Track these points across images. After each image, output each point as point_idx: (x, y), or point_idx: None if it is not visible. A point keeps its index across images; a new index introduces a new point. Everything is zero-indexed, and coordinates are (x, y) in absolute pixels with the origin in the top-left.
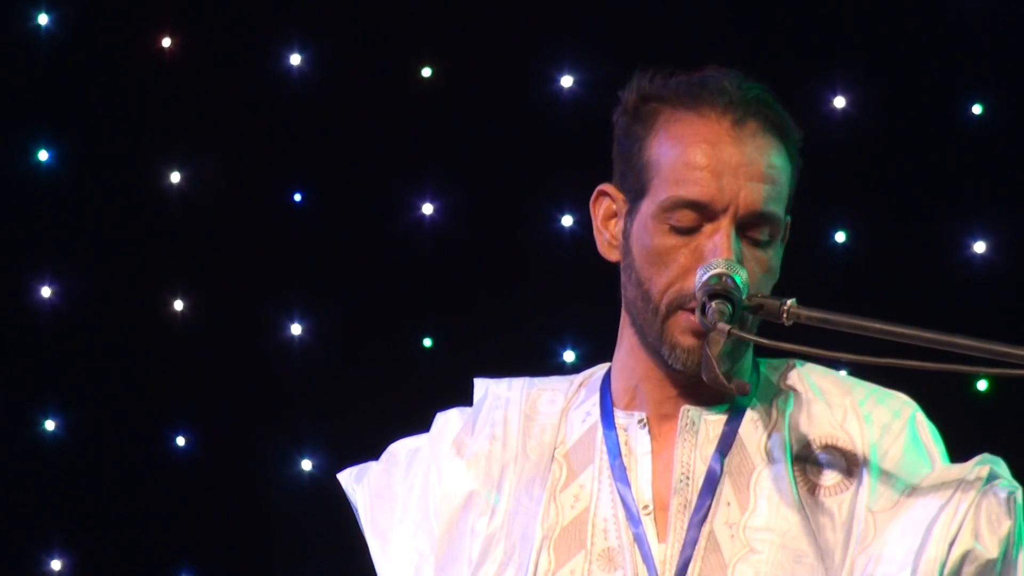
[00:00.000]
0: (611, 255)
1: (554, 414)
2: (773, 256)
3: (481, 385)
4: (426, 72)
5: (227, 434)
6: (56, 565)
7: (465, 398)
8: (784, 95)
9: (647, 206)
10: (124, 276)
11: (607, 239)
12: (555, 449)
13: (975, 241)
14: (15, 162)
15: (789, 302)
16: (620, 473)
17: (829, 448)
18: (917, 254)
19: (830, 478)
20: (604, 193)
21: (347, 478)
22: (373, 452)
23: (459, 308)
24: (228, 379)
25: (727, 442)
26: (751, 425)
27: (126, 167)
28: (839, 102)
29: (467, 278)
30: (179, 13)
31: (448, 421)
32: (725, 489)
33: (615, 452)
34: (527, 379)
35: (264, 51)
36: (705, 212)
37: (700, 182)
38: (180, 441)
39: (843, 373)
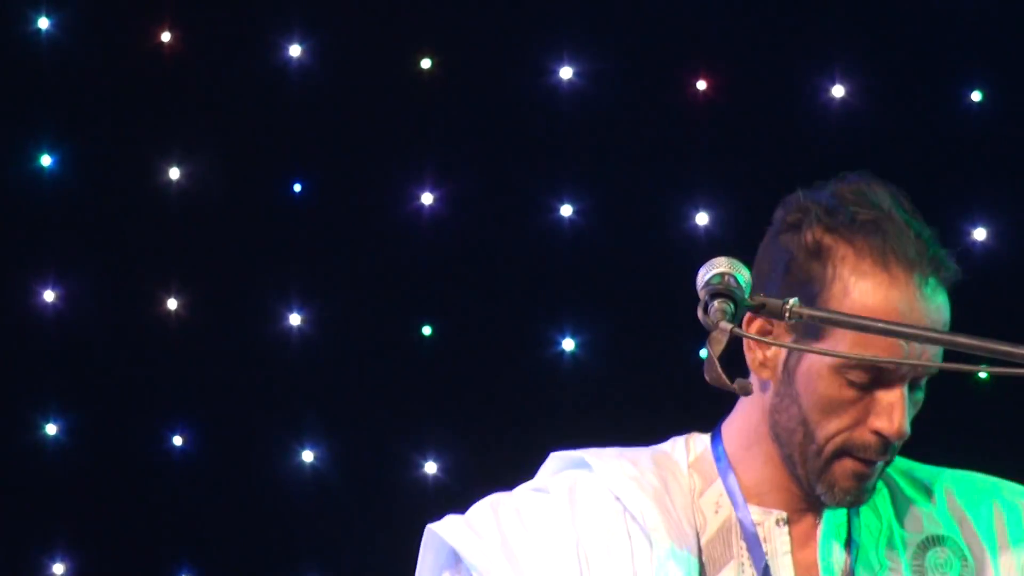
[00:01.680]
0: (763, 374)
1: (685, 502)
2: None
3: (597, 458)
4: (425, 63)
5: (228, 426)
6: (59, 569)
7: (462, 387)
8: (782, 83)
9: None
10: (125, 274)
11: (760, 359)
12: (699, 538)
13: (975, 228)
14: (17, 165)
15: (791, 301)
16: (767, 572)
17: (936, 543)
18: None
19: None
20: (764, 315)
21: (451, 531)
22: (373, 439)
23: (458, 297)
24: (228, 370)
25: (855, 547)
26: (865, 529)
27: (128, 165)
28: (837, 91)
29: (466, 267)
30: (178, 7)
31: (587, 503)
32: None
33: (758, 552)
34: (635, 456)
35: (263, 42)
36: (891, 374)
37: (891, 347)
38: (180, 439)
39: (912, 464)
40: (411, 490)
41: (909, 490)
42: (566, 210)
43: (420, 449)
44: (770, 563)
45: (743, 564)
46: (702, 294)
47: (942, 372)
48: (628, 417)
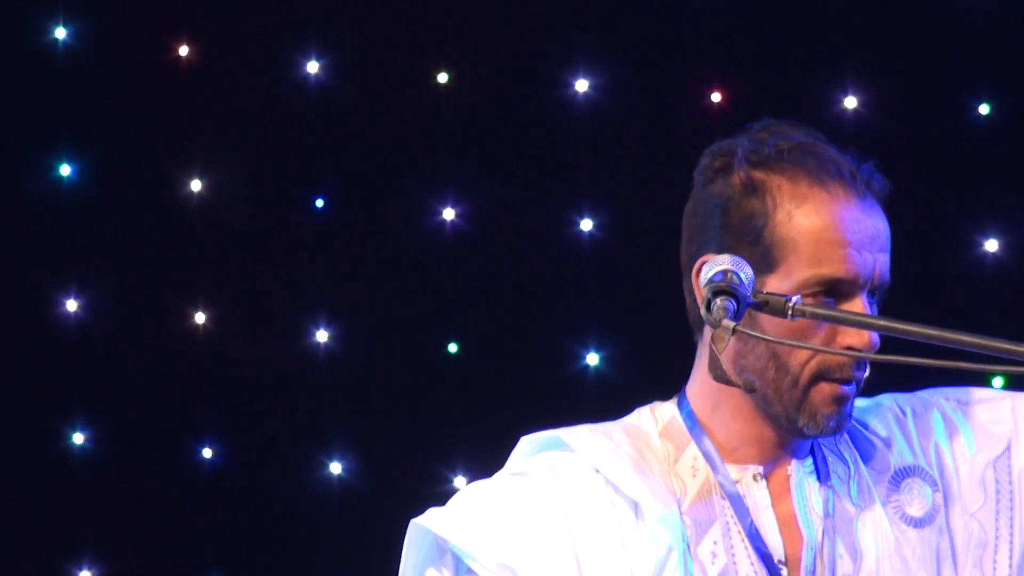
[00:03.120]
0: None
1: (664, 472)
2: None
3: (573, 434)
4: (442, 78)
5: (256, 440)
6: None
7: (489, 401)
8: (795, 95)
9: (779, 283)
10: (149, 287)
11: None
12: (679, 504)
13: (986, 239)
14: (38, 176)
15: (795, 299)
16: (753, 529)
17: (906, 475)
18: (928, 252)
19: (920, 505)
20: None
21: (437, 521)
22: (400, 455)
23: (482, 313)
24: (255, 386)
25: (828, 494)
26: (836, 476)
27: (148, 177)
28: (850, 102)
29: (489, 282)
30: (196, 21)
31: (567, 473)
32: (837, 541)
33: (743, 509)
34: (608, 430)
35: (282, 58)
36: (850, 284)
37: (845, 260)
38: (209, 451)
39: (876, 403)
40: (439, 504)
41: (867, 427)
42: (586, 224)
43: (448, 464)
44: (756, 517)
45: (728, 523)
46: (704, 292)
47: (944, 373)
48: None
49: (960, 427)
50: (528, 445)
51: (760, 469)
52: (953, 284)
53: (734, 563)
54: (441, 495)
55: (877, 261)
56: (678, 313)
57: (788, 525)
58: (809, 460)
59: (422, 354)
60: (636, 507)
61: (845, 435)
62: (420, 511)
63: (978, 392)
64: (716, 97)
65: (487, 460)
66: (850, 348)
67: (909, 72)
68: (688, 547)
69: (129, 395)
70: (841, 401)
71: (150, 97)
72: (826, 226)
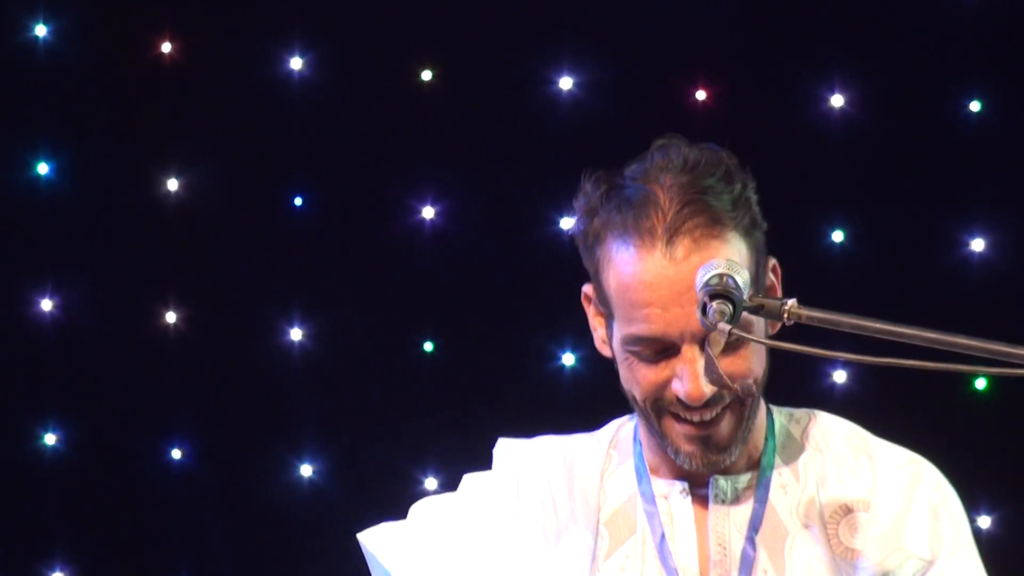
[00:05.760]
0: (605, 351)
1: (593, 478)
2: (748, 348)
3: (509, 446)
4: (425, 75)
5: (226, 439)
6: None
7: (463, 403)
8: (781, 93)
9: (615, 331)
10: (124, 286)
11: (601, 336)
12: (599, 514)
13: (973, 238)
14: (16, 174)
15: (790, 302)
16: (663, 546)
17: (860, 510)
18: (915, 252)
19: (862, 541)
20: (588, 297)
21: (375, 540)
22: (371, 456)
23: (458, 312)
24: (227, 386)
25: (759, 509)
26: (779, 490)
27: (125, 175)
28: (836, 101)
29: (466, 282)
30: (177, 18)
31: (489, 485)
32: (761, 558)
33: (657, 523)
34: (553, 439)
35: (263, 55)
36: (664, 342)
37: (648, 320)
38: (179, 452)
39: (860, 431)
40: (410, 504)
41: (846, 456)
42: (566, 223)
43: (420, 464)
44: (669, 531)
45: (644, 535)
46: (700, 295)
47: (938, 375)
48: None
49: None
50: (497, 449)
51: (685, 485)
52: (939, 283)
53: None
54: (413, 496)
55: (690, 316)
56: None
57: (707, 543)
58: (748, 475)
59: (397, 353)
60: (556, 518)
61: (815, 454)
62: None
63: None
64: (701, 95)
65: (460, 461)
66: (678, 399)
67: (896, 70)
68: (594, 558)
69: (101, 395)
70: (698, 441)
71: (131, 95)
72: (628, 287)
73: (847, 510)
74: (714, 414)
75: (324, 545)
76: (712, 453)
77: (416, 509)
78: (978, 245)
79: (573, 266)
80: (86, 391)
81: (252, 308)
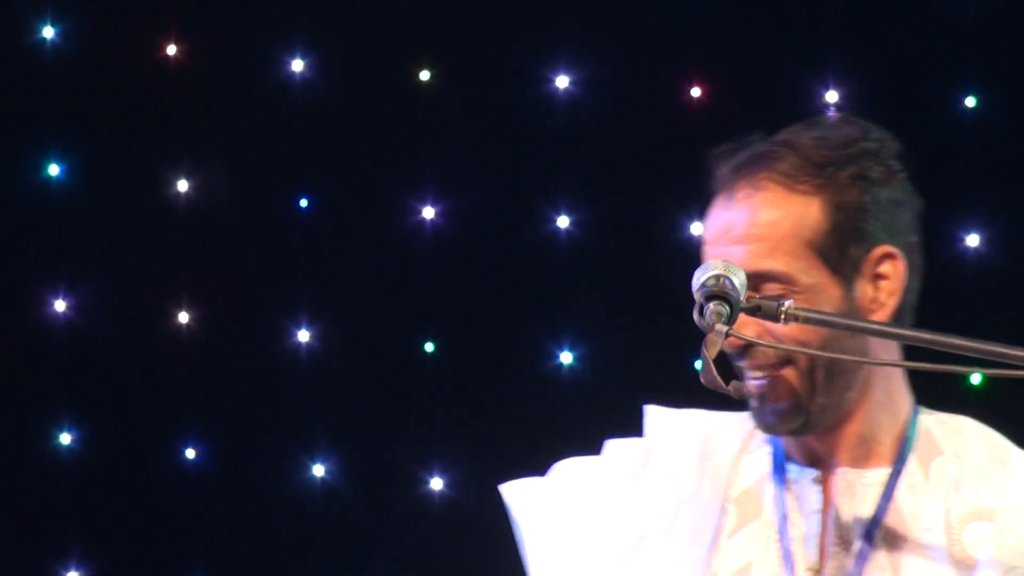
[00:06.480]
0: None
1: (728, 456)
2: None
3: (654, 415)
4: (425, 75)
5: (239, 439)
6: None
7: (464, 400)
8: (776, 90)
9: None
10: (136, 286)
11: None
12: (728, 491)
13: (968, 234)
14: (27, 176)
15: (787, 303)
16: (785, 533)
17: (986, 519)
18: None
19: (985, 551)
20: None
21: (513, 493)
22: (379, 454)
23: (458, 312)
24: (238, 386)
25: (884, 506)
26: (908, 489)
27: (136, 177)
28: (831, 96)
29: (466, 282)
30: (183, 21)
31: (623, 451)
32: (878, 555)
33: (781, 509)
34: (702, 413)
35: (266, 57)
36: None
37: (704, 256)
38: (192, 452)
39: (1003, 441)
40: (414, 505)
41: (984, 464)
42: (563, 221)
43: (424, 463)
44: (793, 518)
45: (768, 519)
46: (697, 296)
47: (935, 375)
48: (627, 428)
49: None
50: (645, 417)
51: (817, 473)
52: (934, 280)
53: (761, 562)
54: (419, 496)
55: (729, 254)
56: (652, 312)
57: (829, 532)
58: (879, 471)
59: (399, 354)
60: (679, 490)
61: (952, 460)
62: (399, 511)
63: None
64: (696, 92)
65: (463, 459)
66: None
67: (891, 66)
68: (717, 536)
69: (115, 396)
70: (757, 399)
71: (138, 96)
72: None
73: (973, 518)
74: (764, 375)
75: (335, 542)
76: (767, 416)
77: (556, 468)
78: (973, 241)
79: (573, 266)
80: (100, 391)
81: (261, 309)
